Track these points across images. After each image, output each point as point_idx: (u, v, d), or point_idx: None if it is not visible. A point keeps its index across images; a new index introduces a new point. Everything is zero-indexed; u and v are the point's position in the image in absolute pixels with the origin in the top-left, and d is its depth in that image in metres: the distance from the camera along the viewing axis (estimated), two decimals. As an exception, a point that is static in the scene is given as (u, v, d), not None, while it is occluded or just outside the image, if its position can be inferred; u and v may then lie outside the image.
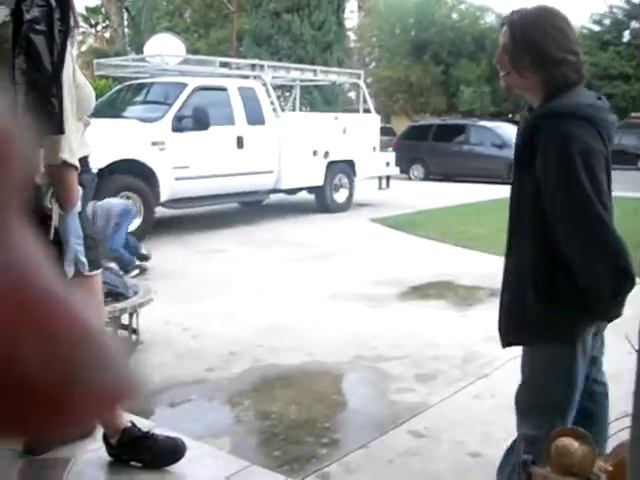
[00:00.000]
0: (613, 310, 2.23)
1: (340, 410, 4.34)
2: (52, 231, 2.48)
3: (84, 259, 2.58)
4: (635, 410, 1.22)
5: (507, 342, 2.43)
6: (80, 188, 2.53)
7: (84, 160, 2.63)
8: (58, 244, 2.50)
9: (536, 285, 2.23)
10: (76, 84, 2.48)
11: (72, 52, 2.43)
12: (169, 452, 2.90)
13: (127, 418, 2.94)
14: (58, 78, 2.32)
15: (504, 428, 3.23)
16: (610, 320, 2.30)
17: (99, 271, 2.72)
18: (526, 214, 2.25)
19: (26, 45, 2.25)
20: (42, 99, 2.28)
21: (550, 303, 2.22)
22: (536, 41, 2.18)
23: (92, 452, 2.97)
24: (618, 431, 2.14)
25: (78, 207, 2.52)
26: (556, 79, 2.19)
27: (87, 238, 2.59)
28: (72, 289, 0.50)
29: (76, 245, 2.54)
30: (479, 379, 4.39)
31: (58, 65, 2.31)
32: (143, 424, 3.01)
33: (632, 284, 2.13)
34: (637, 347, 1.27)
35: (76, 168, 2.45)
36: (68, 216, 2.49)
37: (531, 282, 2.23)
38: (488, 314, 4.72)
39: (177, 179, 10.28)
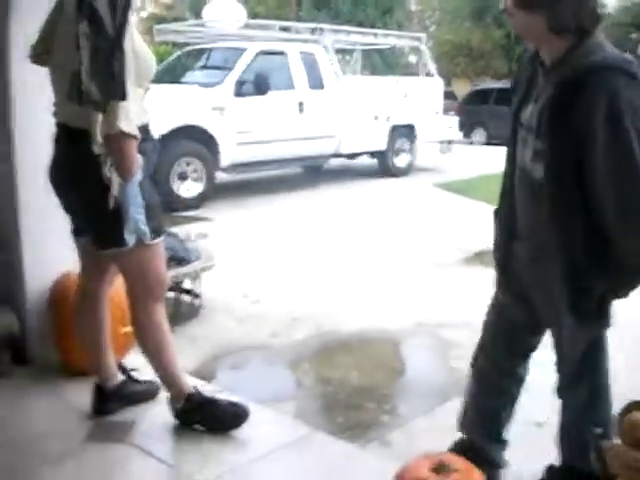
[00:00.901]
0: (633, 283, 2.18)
1: (401, 377, 4.33)
2: (112, 200, 2.47)
3: (145, 228, 2.56)
4: None
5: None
6: (140, 156, 2.51)
7: (145, 127, 2.61)
8: (119, 213, 2.50)
9: (588, 253, 2.15)
10: (135, 51, 2.45)
11: (132, 19, 2.40)
12: (232, 417, 2.91)
13: (191, 383, 2.96)
14: (120, 43, 2.30)
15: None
16: (618, 296, 2.22)
17: (161, 238, 2.72)
18: (568, 178, 2.11)
19: (90, 11, 2.23)
20: (105, 64, 2.27)
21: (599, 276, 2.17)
22: None
23: (156, 415, 3.01)
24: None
25: (138, 176, 2.50)
26: (562, 19, 2.02)
27: (148, 207, 2.58)
28: None
29: (137, 214, 2.52)
30: (541, 348, 4.31)
31: (120, 30, 2.29)
32: (207, 389, 3.03)
33: None
34: None
35: (135, 137, 2.43)
36: (128, 185, 2.46)
37: (583, 250, 2.15)
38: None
39: (238, 144, 10.29)
